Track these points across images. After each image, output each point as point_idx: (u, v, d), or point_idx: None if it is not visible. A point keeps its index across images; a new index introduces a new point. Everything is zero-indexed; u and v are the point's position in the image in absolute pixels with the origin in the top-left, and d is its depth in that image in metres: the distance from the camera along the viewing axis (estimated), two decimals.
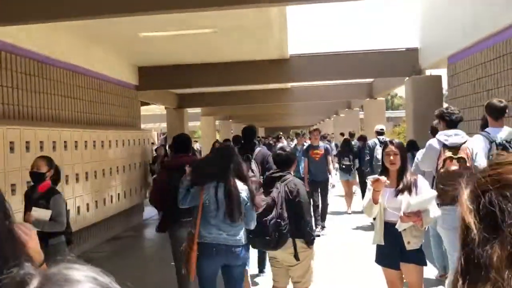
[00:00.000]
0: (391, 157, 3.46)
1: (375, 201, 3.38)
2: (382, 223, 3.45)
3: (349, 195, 9.72)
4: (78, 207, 6.68)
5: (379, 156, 8.35)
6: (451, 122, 3.95)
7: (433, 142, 4.00)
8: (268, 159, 5.51)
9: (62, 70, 7.08)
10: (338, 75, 10.30)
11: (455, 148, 3.75)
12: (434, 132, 4.62)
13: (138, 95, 10.35)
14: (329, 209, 8.55)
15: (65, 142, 6.54)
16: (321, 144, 8.22)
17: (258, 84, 10.71)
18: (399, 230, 3.33)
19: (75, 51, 7.39)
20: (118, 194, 8.22)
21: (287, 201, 3.61)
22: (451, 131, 3.88)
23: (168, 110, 15.69)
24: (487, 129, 3.93)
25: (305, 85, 15.76)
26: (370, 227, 7.59)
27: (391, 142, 3.59)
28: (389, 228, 3.40)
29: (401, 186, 3.41)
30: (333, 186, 8.37)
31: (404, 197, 3.35)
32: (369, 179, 3.42)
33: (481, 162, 3.61)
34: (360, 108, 21.06)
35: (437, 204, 3.38)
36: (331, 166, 8.17)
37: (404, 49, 10.08)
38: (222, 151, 3.96)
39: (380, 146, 7.85)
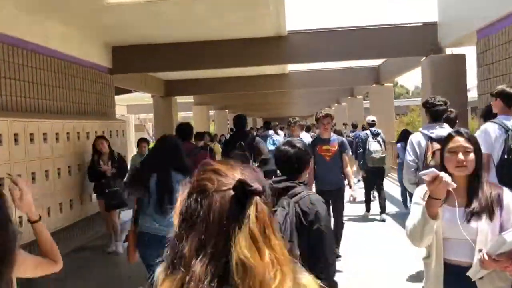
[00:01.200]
0: (461, 157, 2.09)
1: (432, 215, 1.99)
2: (441, 264, 2.11)
3: None
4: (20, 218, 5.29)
5: (372, 148, 7.74)
6: (435, 114, 3.95)
7: (416, 136, 3.97)
8: (258, 145, 5.92)
9: (7, 47, 5.70)
10: (342, 55, 8.90)
11: (441, 141, 3.45)
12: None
13: (112, 80, 8.95)
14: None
15: (31, 134, 5.26)
16: (333, 136, 5.64)
17: (251, 66, 9.33)
18: (473, 279, 1.99)
19: (20, 23, 6.00)
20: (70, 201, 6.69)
21: (299, 229, 2.26)
22: (435, 125, 3.88)
23: (155, 98, 14.33)
24: (499, 117, 3.61)
25: (304, 70, 14.45)
26: (391, 239, 6.39)
27: (458, 132, 2.19)
28: (454, 273, 2.07)
29: (475, 204, 2.06)
30: (354, 199, 5.62)
31: (481, 224, 2.02)
32: (423, 177, 1.96)
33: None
34: (364, 96, 19.71)
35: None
36: (348, 169, 5.62)
37: (420, 24, 8.69)
38: (158, 142, 3.89)
39: (373, 138, 7.83)
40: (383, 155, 7.81)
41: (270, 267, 0.85)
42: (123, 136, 8.54)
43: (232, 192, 0.90)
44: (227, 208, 0.89)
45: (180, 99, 18.08)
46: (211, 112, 28.07)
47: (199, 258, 0.87)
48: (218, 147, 8.55)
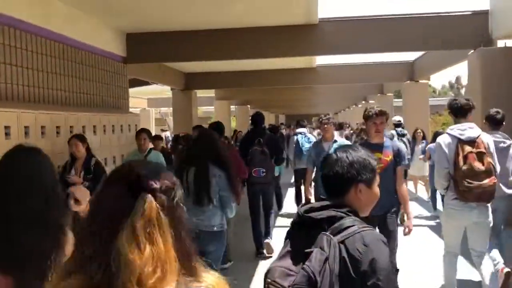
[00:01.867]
0: None
1: None
2: None
3: None
4: None
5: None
6: (460, 111, 3.78)
7: (444, 138, 3.75)
8: (278, 144, 6.22)
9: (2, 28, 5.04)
10: (379, 47, 7.98)
11: (471, 142, 3.57)
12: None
13: (126, 69, 8.26)
14: None
15: (26, 127, 4.60)
16: (387, 141, 4.10)
17: (277, 57, 8.46)
18: None
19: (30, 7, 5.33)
20: None
21: (345, 281, 1.49)
22: (465, 125, 3.68)
23: (174, 92, 13.66)
24: None
25: (332, 64, 13.57)
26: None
27: None
28: None
29: None
30: (409, 231, 3.86)
31: None
32: None
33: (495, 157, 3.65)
34: (394, 94, 18.67)
35: (457, 199, 3.59)
36: (404, 188, 4.01)
37: (469, 13, 7.72)
38: (196, 137, 4.00)
39: (399, 139, 7.49)
40: (408, 157, 7.40)
41: (150, 263, 0.86)
42: (136, 130, 7.83)
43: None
44: (119, 202, 0.91)
45: (201, 93, 17.45)
46: (233, 108, 27.44)
47: (93, 255, 0.89)
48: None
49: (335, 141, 5.51)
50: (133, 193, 0.91)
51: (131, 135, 7.72)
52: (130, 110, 8.77)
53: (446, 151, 3.62)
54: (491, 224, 3.73)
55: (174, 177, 1.01)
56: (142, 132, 5.97)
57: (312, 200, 5.19)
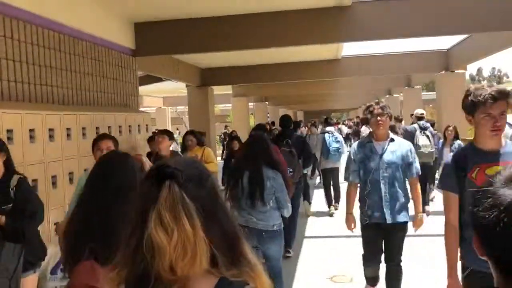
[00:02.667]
0: None
1: None
2: None
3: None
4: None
5: (420, 143, 7.33)
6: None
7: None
8: (305, 147, 6.39)
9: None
10: (418, 29, 6.96)
11: None
12: None
13: (135, 63, 7.45)
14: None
15: (8, 130, 3.79)
16: (507, 146, 2.47)
17: (303, 44, 7.54)
18: None
19: None
20: None
21: None
22: None
23: (189, 89, 12.85)
24: None
25: (359, 55, 12.62)
26: None
27: None
28: None
29: None
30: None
31: None
32: None
33: None
34: (422, 86, 17.57)
35: None
36: None
37: None
38: (248, 140, 4.16)
39: (421, 132, 7.48)
40: (432, 150, 7.49)
41: (179, 247, 0.90)
42: (147, 131, 7.03)
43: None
44: (149, 192, 0.97)
45: (218, 90, 16.66)
46: (251, 105, 26.63)
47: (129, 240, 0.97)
48: (209, 152, 6.44)
49: (392, 140, 3.88)
50: (159, 182, 0.97)
51: (143, 137, 6.93)
52: (145, 109, 7.97)
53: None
54: None
55: (204, 167, 1.07)
56: (161, 134, 5.16)
57: (356, 230, 4.15)
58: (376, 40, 7.15)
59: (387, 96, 22.51)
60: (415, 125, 7.78)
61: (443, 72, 11.82)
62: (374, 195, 3.77)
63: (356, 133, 20.33)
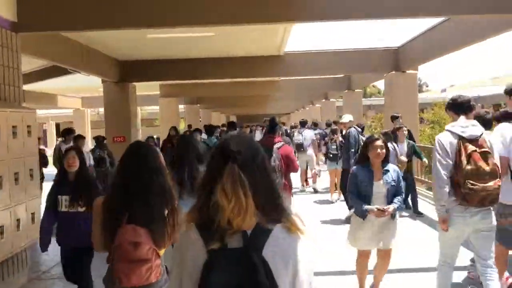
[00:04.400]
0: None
1: None
2: None
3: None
4: None
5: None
6: (462, 107, 3.48)
7: (444, 136, 3.40)
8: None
9: None
10: (387, 11, 5.66)
11: (474, 141, 3.29)
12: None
13: (17, 41, 5.43)
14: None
15: None
16: None
17: (241, 23, 5.90)
18: None
19: None
20: None
21: None
22: (468, 121, 3.38)
23: (106, 85, 10.79)
24: None
25: (302, 52, 11.34)
26: None
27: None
28: None
29: None
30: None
31: None
32: None
33: (497, 157, 3.40)
34: (364, 89, 16.75)
35: (462, 205, 3.29)
36: None
37: None
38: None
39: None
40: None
41: (235, 210, 1.27)
42: (29, 135, 5.01)
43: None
44: (216, 168, 1.35)
45: (144, 90, 14.75)
46: (181, 107, 24.76)
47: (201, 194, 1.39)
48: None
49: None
50: (224, 161, 1.34)
51: (23, 141, 4.95)
52: (61, 111, 5.91)
53: (448, 150, 3.33)
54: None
55: (258, 145, 1.45)
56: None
57: None
58: (334, 21, 5.75)
59: (323, 100, 21.71)
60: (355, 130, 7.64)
61: (394, 72, 10.81)
62: None
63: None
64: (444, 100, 23.54)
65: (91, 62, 9.31)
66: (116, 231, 2.21)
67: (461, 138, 3.29)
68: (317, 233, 6.28)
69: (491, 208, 3.38)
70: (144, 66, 10.60)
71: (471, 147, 3.23)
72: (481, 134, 3.33)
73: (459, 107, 3.47)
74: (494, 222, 3.40)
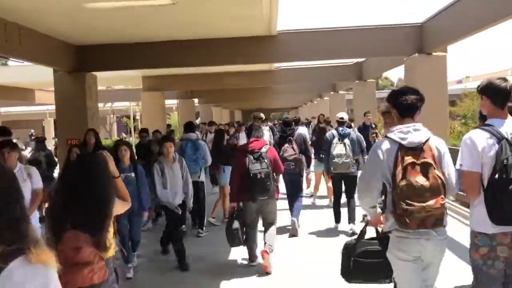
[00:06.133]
0: None
1: None
2: None
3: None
4: None
5: (335, 152, 6.75)
6: (406, 108, 2.88)
7: (382, 144, 2.87)
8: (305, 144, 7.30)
9: None
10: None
11: (416, 150, 2.77)
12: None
13: None
14: None
15: None
16: None
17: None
18: None
19: None
20: None
21: None
22: (409, 126, 2.83)
23: (57, 75, 8.75)
24: (488, 121, 2.81)
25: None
26: None
27: None
28: None
29: None
30: None
31: None
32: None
33: (451, 169, 2.82)
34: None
35: (396, 228, 2.78)
36: None
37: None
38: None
39: (339, 139, 6.87)
40: (347, 160, 6.75)
41: None
42: None
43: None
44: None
45: (125, 84, 12.80)
46: (174, 102, 22.81)
47: None
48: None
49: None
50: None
51: None
52: (39, 107, 4.13)
53: (384, 159, 2.79)
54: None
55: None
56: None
57: None
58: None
59: (318, 98, 20.06)
60: (333, 131, 7.01)
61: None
62: None
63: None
64: (467, 91, 21.14)
65: (38, 47, 7.35)
66: (61, 236, 2.27)
67: (400, 147, 2.80)
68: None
69: (445, 229, 2.85)
70: (104, 52, 8.55)
71: (408, 158, 2.75)
72: (427, 141, 2.81)
73: (403, 108, 2.92)
74: (444, 249, 2.93)
